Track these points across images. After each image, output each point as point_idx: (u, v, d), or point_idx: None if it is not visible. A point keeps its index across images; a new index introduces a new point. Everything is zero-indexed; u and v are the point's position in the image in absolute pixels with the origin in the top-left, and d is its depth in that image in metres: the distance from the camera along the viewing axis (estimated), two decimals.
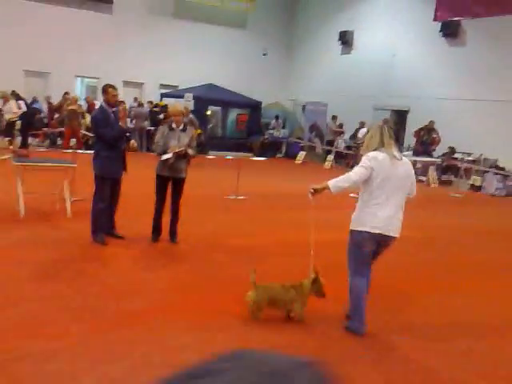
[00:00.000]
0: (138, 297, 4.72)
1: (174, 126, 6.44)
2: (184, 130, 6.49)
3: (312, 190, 4.51)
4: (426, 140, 16.85)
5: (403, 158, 4.27)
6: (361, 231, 4.24)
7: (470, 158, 16.46)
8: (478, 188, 15.02)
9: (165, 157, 6.26)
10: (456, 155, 16.72)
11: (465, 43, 18.39)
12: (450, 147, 16.97)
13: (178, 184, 6.52)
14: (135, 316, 4.30)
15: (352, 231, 4.32)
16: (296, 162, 19.45)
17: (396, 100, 19.91)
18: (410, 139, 18.98)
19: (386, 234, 4.18)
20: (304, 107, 22.19)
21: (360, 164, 4.23)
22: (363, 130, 18.70)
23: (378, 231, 4.17)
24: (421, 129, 17.11)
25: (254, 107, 21.75)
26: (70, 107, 14.82)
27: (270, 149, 20.86)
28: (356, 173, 4.23)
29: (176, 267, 5.79)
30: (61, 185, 7.59)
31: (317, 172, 17.25)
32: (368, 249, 4.27)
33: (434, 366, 3.91)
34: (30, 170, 7.52)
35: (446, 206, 12.44)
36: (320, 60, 23.67)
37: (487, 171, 14.95)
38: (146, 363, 3.53)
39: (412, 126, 18.73)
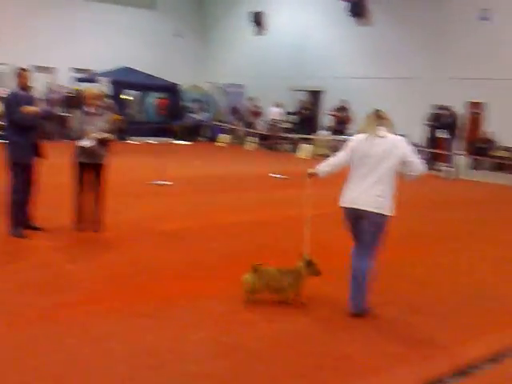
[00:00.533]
0: (63, 289, 4.62)
1: (89, 110, 6.32)
2: (100, 114, 6.39)
3: (309, 174, 4.93)
4: (341, 119, 17.49)
5: (391, 136, 4.43)
6: (343, 207, 4.59)
7: None
8: None
9: (84, 143, 6.12)
10: None
11: (372, 23, 19.06)
12: None
13: (99, 171, 6.40)
14: (60, 309, 4.21)
15: (341, 207, 4.63)
16: (219, 145, 19.55)
17: (311, 81, 20.37)
18: (326, 119, 19.60)
19: (361, 208, 4.38)
20: (224, 89, 22.23)
21: (343, 148, 4.70)
22: (275, 110, 19.07)
23: (354, 206, 4.45)
24: (336, 109, 17.72)
25: (173, 90, 21.47)
26: None
27: (193, 132, 20.77)
28: (336, 156, 4.70)
29: (102, 256, 5.71)
30: None
31: (240, 154, 17.48)
32: (351, 224, 4.56)
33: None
34: None
35: None
36: (234, 41, 23.67)
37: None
38: (74, 354, 3.48)
39: (327, 105, 19.32)
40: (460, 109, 15.85)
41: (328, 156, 15.86)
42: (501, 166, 15.31)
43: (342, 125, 17.67)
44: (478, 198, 11.60)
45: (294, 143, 18.58)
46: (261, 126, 19.64)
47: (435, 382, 3.33)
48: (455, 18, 16.72)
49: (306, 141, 17.35)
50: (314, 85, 20.57)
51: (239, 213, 8.27)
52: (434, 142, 15.60)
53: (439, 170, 14.85)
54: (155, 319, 4.09)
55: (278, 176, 12.07)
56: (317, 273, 4.61)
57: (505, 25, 15.67)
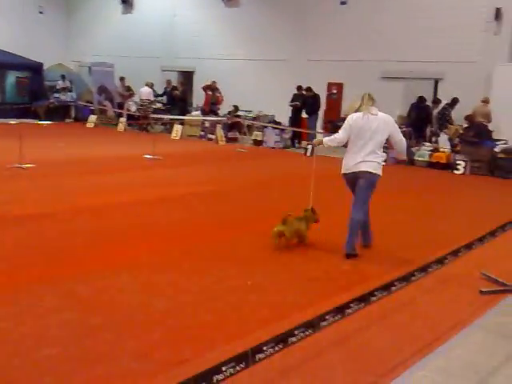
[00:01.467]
0: None
1: None
2: None
3: (315, 142, 6.65)
4: (212, 99, 17.85)
5: (381, 114, 5.54)
6: (344, 173, 5.72)
7: (251, 115, 17.97)
8: (260, 142, 16.56)
9: None
10: (239, 113, 18.05)
11: (239, 4, 19.57)
12: (234, 106, 18.22)
13: None
14: None
15: (342, 174, 5.76)
16: (87, 126, 18.96)
17: (182, 61, 20.45)
18: (198, 99, 19.86)
19: (358, 170, 5.52)
20: (90, 69, 21.48)
21: (342, 126, 5.69)
22: (145, 90, 18.93)
23: (351, 170, 5.60)
24: (207, 86, 18.00)
25: (35, 69, 20.34)
26: None
27: (58, 113, 19.86)
28: (339, 134, 5.69)
29: None
30: None
31: (109, 135, 17.13)
32: (352, 184, 5.69)
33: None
34: None
35: (234, 160, 13.50)
36: (102, 19, 22.94)
37: (266, 127, 16.51)
38: None
39: (199, 86, 19.57)
40: (321, 89, 16.94)
41: (200, 136, 16.24)
42: None
43: (213, 105, 18.02)
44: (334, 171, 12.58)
45: (166, 124, 18.61)
46: (131, 107, 19.35)
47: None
48: (316, 1, 17.74)
49: (178, 121, 17.46)
50: (184, 65, 20.66)
51: (107, 194, 8.20)
52: (296, 121, 16.56)
53: (300, 148, 15.83)
54: (10, 306, 4.00)
55: (153, 157, 12.14)
56: (317, 219, 6.05)
57: (359, 9, 16.95)
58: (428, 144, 14.05)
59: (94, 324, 3.75)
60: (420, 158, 13.61)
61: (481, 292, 4.64)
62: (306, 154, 14.87)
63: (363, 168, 5.50)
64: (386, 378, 3.23)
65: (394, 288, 3.32)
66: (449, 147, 13.50)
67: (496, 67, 14.13)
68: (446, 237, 6.45)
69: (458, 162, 12.80)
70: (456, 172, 12.71)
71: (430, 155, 13.50)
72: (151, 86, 19.23)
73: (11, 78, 20.42)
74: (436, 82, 15.74)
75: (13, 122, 11.18)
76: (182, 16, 20.60)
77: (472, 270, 5.17)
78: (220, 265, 5.15)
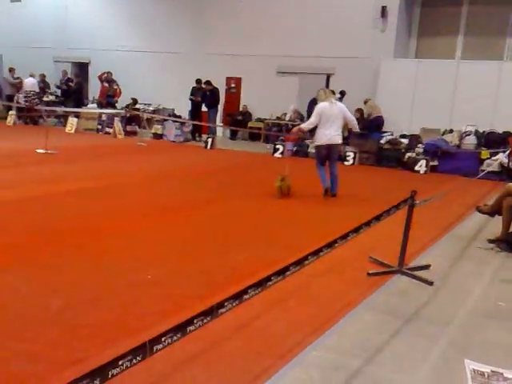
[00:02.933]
0: None
1: None
2: None
3: (296, 129, 9.08)
4: (109, 92, 17.35)
5: (338, 103, 8.63)
6: (320, 145, 8.48)
7: (151, 109, 17.70)
8: (160, 136, 16.37)
9: None
10: (138, 106, 17.71)
11: None
12: (132, 98, 17.84)
13: None
14: None
15: (316, 145, 8.68)
16: None
17: (76, 52, 19.67)
18: (94, 92, 19.19)
19: (331, 143, 8.36)
20: None
21: (314, 113, 8.35)
22: (31, 81, 18.00)
23: (326, 143, 8.38)
24: (103, 76, 17.46)
25: None
26: None
27: None
28: (313, 119, 8.35)
29: None
30: None
31: None
32: (323, 153, 8.50)
33: None
34: None
35: (133, 155, 13.26)
36: None
37: (166, 120, 16.35)
38: None
39: (94, 78, 18.91)
40: (220, 83, 17.07)
41: (97, 130, 15.80)
42: (255, 136, 17.09)
43: (110, 98, 17.51)
44: (236, 164, 12.80)
45: (60, 117, 17.82)
46: (21, 99, 18.28)
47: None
48: None
49: (73, 114, 16.79)
50: (79, 56, 19.88)
51: (4, 189, 7.77)
52: (196, 114, 16.58)
53: (202, 141, 15.90)
54: None
55: (45, 151, 11.61)
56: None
57: (254, 4, 17.25)
58: None
59: None
60: (313, 150, 14.18)
61: (368, 274, 4.98)
62: (206, 147, 14.94)
63: (336, 141, 8.41)
64: (284, 359, 3.39)
65: (288, 272, 3.48)
66: None
67: (383, 62, 15.04)
68: (335, 222, 6.81)
69: (347, 154, 13.50)
70: (346, 163, 13.39)
71: None
72: (42, 77, 18.27)
73: None
74: (328, 76, 16.44)
75: None
76: (76, 5, 19.77)
77: (360, 254, 5.53)
78: (115, 260, 5.09)
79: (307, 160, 13.78)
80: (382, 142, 13.57)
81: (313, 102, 14.87)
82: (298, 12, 16.59)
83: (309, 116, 13.83)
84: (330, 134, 8.26)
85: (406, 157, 13.14)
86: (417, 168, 12.75)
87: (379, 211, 4.64)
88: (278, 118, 17.06)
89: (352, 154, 13.45)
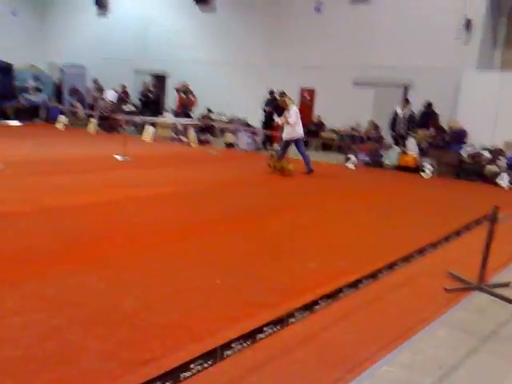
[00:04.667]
0: None
1: None
2: None
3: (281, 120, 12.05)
4: (185, 102, 17.82)
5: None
6: (290, 138, 11.59)
7: (224, 118, 17.99)
8: (232, 145, 16.59)
9: None
10: (212, 116, 18.07)
11: (215, 10, 19.64)
12: (207, 108, 18.23)
13: None
14: None
15: (286, 139, 11.72)
16: (57, 126, 18.70)
17: (155, 64, 20.39)
18: (170, 102, 19.80)
19: (299, 136, 11.68)
20: (62, 70, 21.23)
21: (291, 114, 11.43)
22: (110, 93, 18.83)
23: (296, 136, 11.62)
24: (181, 88, 17.98)
25: (4, 69, 19.99)
26: None
27: (28, 114, 19.57)
28: (292, 118, 11.41)
29: None
30: None
31: (80, 136, 16.92)
32: (290, 144, 11.72)
33: None
34: None
35: (205, 163, 13.49)
36: (76, 22, 22.74)
37: (239, 129, 16.55)
38: None
39: (172, 89, 19.53)
40: (293, 94, 17.07)
41: (172, 138, 16.37)
42: (328, 146, 16.93)
43: (186, 108, 17.98)
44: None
45: (138, 126, 18.50)
46: (103, 108, 19.17)
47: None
48: (291, 7, 17.89)
49: (150, 123, 17.38)
50: (158, 68, 20.59)
51: (74, 194, 8.08)
52: (268, 124, 16.66)
53: (273, 150, 15.92)
54: None
55: (123, 158, 12.06)
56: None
57: (333, 16, 17.17)
58: (396, 147, 14.30)
59: (58, 324, 3.68)
60: (388, 162, 13.85)
61: (445, 290, 4.75)
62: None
63: (302, 134, 11.79)
64: (353, 373, 3.28)
65: (361, 285, 3.38)
66: (417, 151, 13.76)
67: (465, 74, 14.47)
68: (412, 236, 6.57)
69: (425, 166, 13.06)
70: (423, 175, 12.95)
71: (398, 158, 13.75)
72: (124, 87, 19.09)
73: None
74: (405, 87, 16.04)
75: None
76: (157, 19, 20.55)
77: (437, 268, 5.29)
78: (187, 264, 5.15)
79: (381, 171, 13.48)
80: (463, 154, 13.03)
81: (395, 114, 14.50)
82: (375, 22, 16.34)
83: (392, 125, 13.64)
84: (298, 130, 11.65)
85: (488, 170, 12.53)
86: (499, 182, 12.14)
87: (459, 225, 4.42)
88: (352, 129, 16.84)
89: (430, 167, 13.00)
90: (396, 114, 14.48)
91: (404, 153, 13.81)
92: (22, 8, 22.68)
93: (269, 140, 16.72)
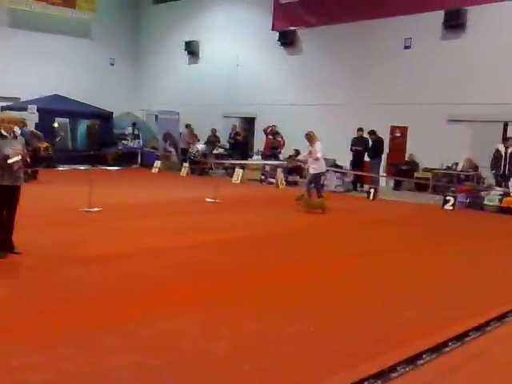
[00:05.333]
0: None
1: (5, 133, 6.39)
2: (15, 137, 6.56)
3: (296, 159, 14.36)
4: (273, 144, 18.01)
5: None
6: (321, 172, 12.28)
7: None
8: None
9: (12, 160, 6.20)
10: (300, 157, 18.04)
11: (301, 51, 19.90)
12: (295, 149, 18.27)
13: (17, 192, 6.49)
14: None
15: (315, 174, 12.01)
16: (152, 171, 19.53)
17: (243, 107, 20.86)
18: (258, 145, 20.10)
19: (324, 171, 12.96)
20: (156, 116, 22.32)
21: (319, 150, 11.89)
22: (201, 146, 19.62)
23: (323, 171, 12.79)
24: (269, 130, 18.25)
25: (105, 118, 21.38)
26: None
27: (125, 159, 20.66)
28: (321, 153, 12.01)
29: (22, 283, 5.58)
30: None
31: (173, 180, 17.54)
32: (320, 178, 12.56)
33: None
34: None
35: (295, 204, 13.39)
36: (168, 70, 23.96)
37: (327, 170, 16.35)
38: None
39: (260, 131, 19.84)
40: (383, 132, 16.72)
41: (260, 180, 16.57)
42: (422, 186, 16.23)
43: (274, 149, 18.17)
44: (403, 215, 12.22)
45: (227, 168, 18.88)
46: (194, 153, 19.80)
47: None
48: (378, 46, 17.74)
49: (239, 166, 17.69)
50: (246, 111, 21.06)
51: (168, 236, 8.28)
52: (358, 164, 16.35)
53: (363, 192, 15.55)
54: (75, 347, 4.01)
55: (214, 200, 12.27)
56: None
57: (423, 53, 16.79)
58: (498, 188, 13.40)
59: (156, 366, 3.72)
60: (490, 203, 12.98)
61: None
62: (368, 197, 14.58)
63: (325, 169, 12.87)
64: None
65: (467, 338, 3.06)
66: None
67: None
68: None
69: None
70: None
71: (500, 200, 12.84)
72: (213, 131, 19.75)
73: (83, 126, 21.53)
74: (505, 124, 15.13)
75: (83, 167, 11.57)
76: (245, 64, 21.14)
77: None
78: (279, 308, 5.00)
79: (482, 213, 12.64)
80: None
81: (497, 152, 13.61)
82: (467, 57, 15.76)
83: (494, 164, 12.69)
84: (324, 165, 12.43)
85: None
86: None
87: None
88: (448, 168, 16.07)
89: None
90: (498, 152, 13.60)
91: (507, 194, 12.89)
92: (119, 59, 24.32)
93: (359, 180, 16.39)
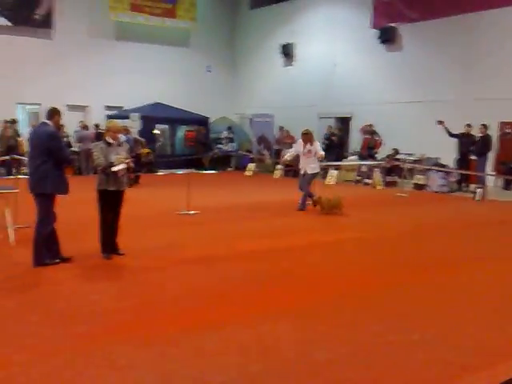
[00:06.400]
0: (85, 319, 4.62)
1: (110, 141, 6.63)
2: (120, 144, 6.80)
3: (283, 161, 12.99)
4: (370, 143, 17.46)
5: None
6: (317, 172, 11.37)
7: (412, 158, 17.13)
8: (422, 186, 15.65)
9: (116, 168, 6.42)
10: (399, 156, 17.35)
11: (401, 48, 19.16)
12: (393, 149, 17.61)
13: (121, 196, 6.72)
14: (82, 339, 4.21)
15: (313, 173, 11.12)
16: (246, 174, 19.72)
17: (339, 107, 20.45)
18: (354, 144, 19.60)
19: (307, 171, 11.05)
20: (251, 120, 22.53)
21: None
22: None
23: (304, 170, 11.06)
24: (365, 129, 17.72)
25: (202, 123, 21.93)
26: None
27: (221, 163, 21.05)
28: (292, 151, 11.67)
29: (128, 285, 5.75)
30: (1, 212, 7.31)
31: (266, 182, 17.58)
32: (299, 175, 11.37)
33: None
34: None
35: (393, 206, 12.86)
36: (263, 73, 24.10)
37: (430, 169, 15.58)
38: None
39: (356, 131, 19.34)
40: (491, 129, 15.60)
41: (356, 181, 16.10)
42: None
43: (370, 149, 17.63)
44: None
45: (321, 169, 18.58)
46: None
47: None
48: (485, 38, 16.65)
49: (333, 167, 17.35)
50: (342, 111, 20.65)
51: (264, 239, 8.23)
52: (463, 163, 15.37)
53: (469, 192, 14.60)
54: (181, 348, 4.06)
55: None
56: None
57: None
58: None
59: (254, 371, 3.68)
60: None
61: None
62: (474, 198, 13.67)
63: (309, 170, 11.00)
64: None
65: None
66: None
67: None
68: None
69: None
70: None
71: None
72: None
73: (181, 132, 22.24)
74: None
75: (180, 172, 11.87)
76: (342, 64, 20.73)
77: None
78: (382, 315, 4.72)
79: None
80: None
81: None
82: None
83: None
84: (304, 163, 11.09)
85: None
86: None
87: None
88: None
89: None
90: None
91: None
92: (216, 65, 24.81)
93: (465, 180, 15.41)
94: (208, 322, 4.62)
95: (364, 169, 17.10)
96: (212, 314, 4.86)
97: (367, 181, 16.65)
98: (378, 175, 16.14)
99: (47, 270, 6.12)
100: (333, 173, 17.03)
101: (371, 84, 19.74)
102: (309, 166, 10.96)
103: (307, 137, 11.02)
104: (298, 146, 11.21)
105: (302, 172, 11.17)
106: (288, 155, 11.70)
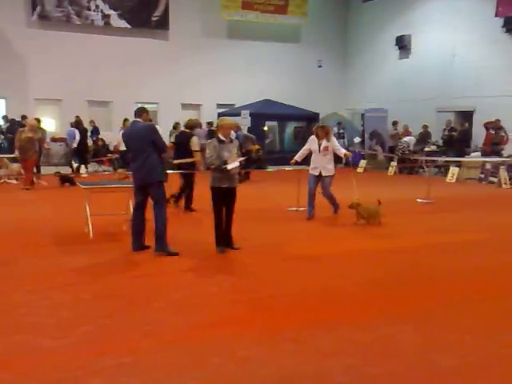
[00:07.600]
0: (204, 310, 4.70)
1: (223, 138, 6.68)
2: (231, 141, 6.85)
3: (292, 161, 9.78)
4: (495, 139, 16.15)
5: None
6: (311, 173, 9.43)
7: None
8: None
9: (231, 166, 6.48)
10: None
11: None
12: None
13: (234, 193, 6.77)
14: (203, 329, 4.29)
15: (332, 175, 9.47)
16: (357, 170, 19.09)
17: (459, 101, 19.22)
18: (477, 140, 18.26)
19: (322, 173, 9.33)
20: (363, 115, 21.84)
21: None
22: (408, 137, 18.32)
23: (317, 172, 9.33)
24: (489, 124, 16.48)
25: (312, 119, 21.62)
26: (23, 135, 12.81)
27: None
28: (304, 149, 9.69)
29: (241, 280, 5.75)
30: (126, 205, 7.71)
31: (380, 179, 16.86)
32: (314, 177, 9.41)
33: None
34: (97, 192, 7.77)
35: None
36: (377, 67, 23.29)
37: None
38: (220, 374, 3.50)
39: (479, 126, 17.98)
40: None
41: (479, 179, 14.78)
42: None
43: (495, 145, 16.30)
44: None
45: (440, 167, 17.54)
46: (402, 148, 18.78)
47: None
48: None
49: (454, 164, 16.26)
50: (462, 105, 19.37)
51: (383, 239, 7.92)
52: None
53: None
54: (296, 344, 3.98)
55: (425, 201, 11.43)
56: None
57: None
58: None
59: (375, 373, 3.54)
60: None
61: None
62: None
63: (323, 171, 9.36)
64: None
65: None
66: None
67: None
68: None
69: None
70: None
71: None
72: (425, 127, 18.56)
73: (290, 128, 22.12)
74: None
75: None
76: (463, 55, 19.45)
77: None
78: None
79: None
80: None
81: None
82: None
83: None
84: (318, 162, 9.35)
85: None
86: None
87: None
88: None
89: None
90: None
91: None
92: (327, 60, 24.38)
93: None
94: (323, 321, 4.51)
95: (488, 166, 15.81)
96: (327, 313, 4.74)
97: (492, 179, 15.38)
98: (504, 173, 14.85)
99: (166, 260, 6.34)
100: (454, 170, 15.96)
101: (495, 76, 18.31)
102: (325, 168, 9.25)
103: (324, 131, 9.27)
104: (312, 143, 9.35)
105: (315, 173, 9.30)
106: (299, 155, 9.67)
